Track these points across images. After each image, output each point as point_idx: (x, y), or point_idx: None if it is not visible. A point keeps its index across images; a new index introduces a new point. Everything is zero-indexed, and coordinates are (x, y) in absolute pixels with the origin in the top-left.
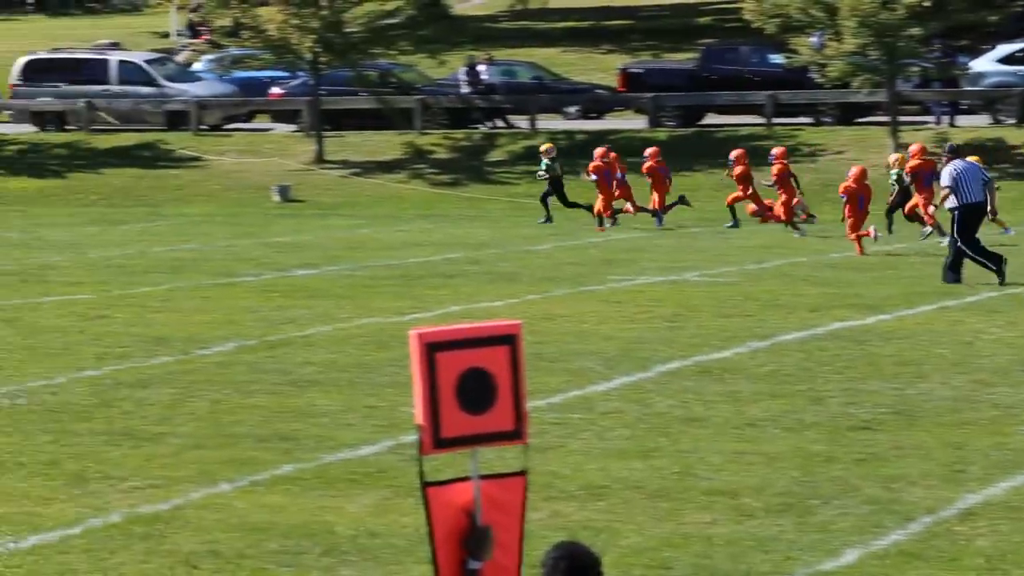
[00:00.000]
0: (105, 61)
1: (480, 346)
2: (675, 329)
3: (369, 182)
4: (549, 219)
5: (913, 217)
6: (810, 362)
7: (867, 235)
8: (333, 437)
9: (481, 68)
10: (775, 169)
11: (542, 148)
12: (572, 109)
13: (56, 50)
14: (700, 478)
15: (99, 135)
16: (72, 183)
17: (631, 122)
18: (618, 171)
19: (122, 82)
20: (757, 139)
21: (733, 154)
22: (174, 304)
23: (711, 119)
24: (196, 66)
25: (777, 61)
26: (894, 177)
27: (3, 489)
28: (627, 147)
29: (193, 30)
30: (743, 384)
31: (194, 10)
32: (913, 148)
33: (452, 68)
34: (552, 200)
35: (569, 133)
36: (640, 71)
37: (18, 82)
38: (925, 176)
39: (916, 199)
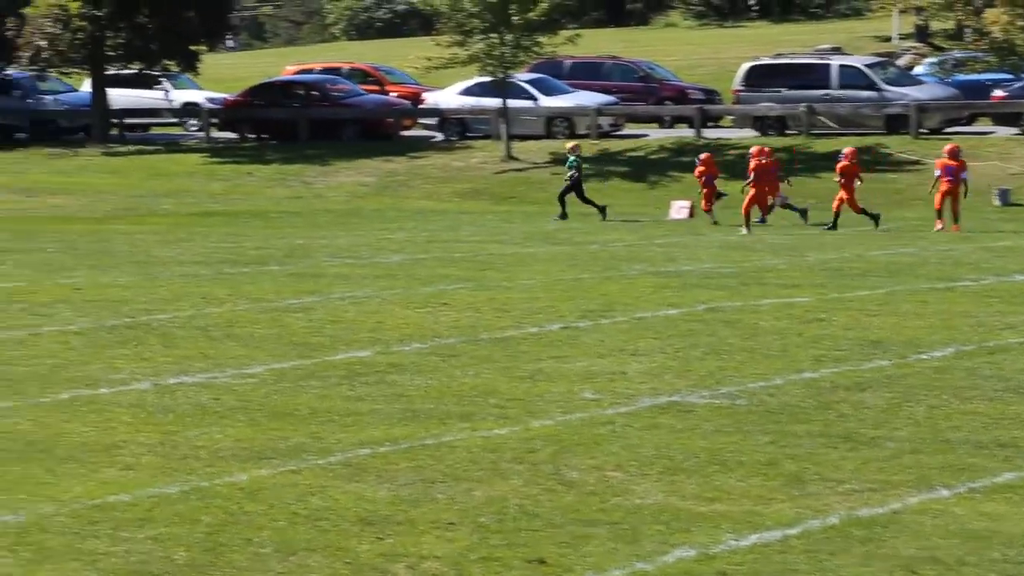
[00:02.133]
0: (827, 66)
1: None
2: None
3: None
4: (564, 216)
5: None
6: None
7: None
8: None
9: None
10: (751, 164)
11: (568, 146)
12: None
13: (778, 55)
14: None
15: (818, 139)
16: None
17: None
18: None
19: (842, 86)
20: None
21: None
22: (891, 308)
23: None
24: (917, 70)
25: None
26: None
27: (724, 487)
28: None
29: (922, 35)
30: None
31: (919, 11)
32: None
33: None
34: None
35: None
36: None
37: (741, 87)
38: None
39: None
